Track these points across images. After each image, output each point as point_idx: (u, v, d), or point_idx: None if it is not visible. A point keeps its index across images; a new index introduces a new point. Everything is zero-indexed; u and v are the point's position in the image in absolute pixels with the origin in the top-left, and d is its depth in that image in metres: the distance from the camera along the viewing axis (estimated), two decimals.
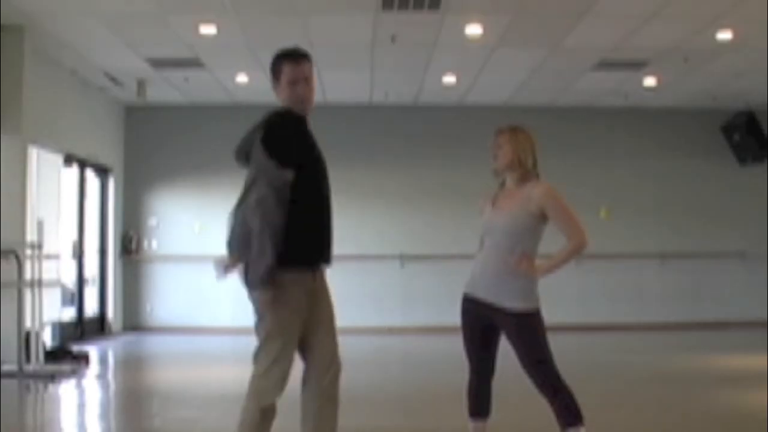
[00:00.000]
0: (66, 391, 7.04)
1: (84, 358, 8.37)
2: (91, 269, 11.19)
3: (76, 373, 7.74)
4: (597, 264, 11.53)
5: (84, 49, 9.04)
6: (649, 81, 10.59)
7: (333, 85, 10.86)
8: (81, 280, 10.62)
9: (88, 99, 10.62)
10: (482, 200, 3.93)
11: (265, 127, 3.28)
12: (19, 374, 7.26)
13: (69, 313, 10.32)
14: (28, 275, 7.69)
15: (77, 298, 10.54)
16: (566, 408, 3.60)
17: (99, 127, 11.14)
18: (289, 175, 3.20)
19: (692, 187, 12.38)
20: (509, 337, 3.71)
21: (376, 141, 12.16)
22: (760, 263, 12.10)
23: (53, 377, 7.32)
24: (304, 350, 3.38)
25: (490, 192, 3.90)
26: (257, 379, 3.29)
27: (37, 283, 7.72)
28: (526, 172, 3.76)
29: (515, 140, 3.75)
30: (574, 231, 3.68)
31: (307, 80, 3.41)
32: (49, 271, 8.36)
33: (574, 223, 3.68)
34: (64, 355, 8.33)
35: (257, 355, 3.31)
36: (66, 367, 7.84)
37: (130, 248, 11.82)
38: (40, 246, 7.90)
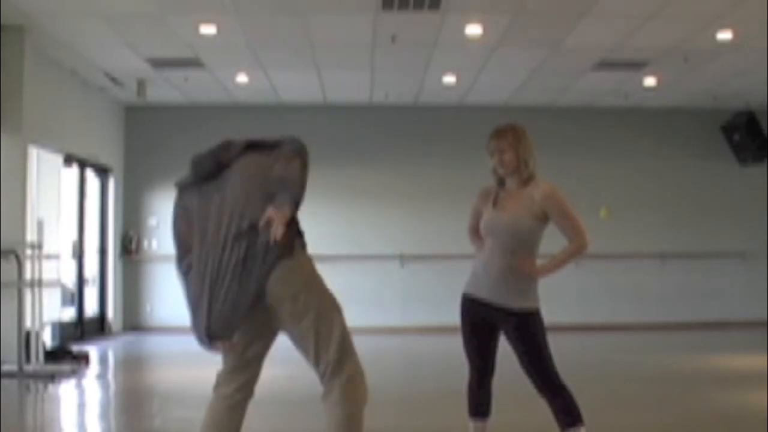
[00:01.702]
0: (66, 391, 7.04)
1: (84, 358, 8.36)
2: (91, 269, 11.19)
3: (76, 373, 7.74)
4: (597, 264, 11.53)
5: (84, 49, 9.04)
6: (649, 81, 10.59)
7: (333, 85, 10.87)
8: (81, 280, 10.62)
9: (88, 99, 10.62)
10: (479, 198, 3.92)
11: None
12: (19, 374, 7.26)
13: (69, 313, 10.32)
14: (28, 275, 7.69)
15: (77, 298, 10.53)
16: (566, 408, 3.61)
17: (99, 127, 11.14)
18: None
19: (692, 187, 12.38)
20: (509, 337, 3.71)
21: (376, 141, 12.16)
22: (760, 263, 12.11)
23: (53, 377, 7.32)
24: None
25: (489, 190, 3.89)
26: (354, 372, 3.01)
27: (37, 283, 7.72)
28: (529, 174, 3.76)
29: (518, 144, 3.73)
30: (576, 233, 3.68)
31: None
32: (49, 271, 8.36)
33: (576, 225, 3.68)
34: (64, 355, 8.33)
35: (330, 346, 2.96)
36: (66, 367, 7.84)
37: (130, 248, 11.82)
38: (40, 246, 7.91)
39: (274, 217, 2.87)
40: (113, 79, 10.38)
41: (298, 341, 3.04)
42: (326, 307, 3.03)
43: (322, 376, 3.02)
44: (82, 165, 10.64)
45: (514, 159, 3.73)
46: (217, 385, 3.18)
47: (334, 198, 11.76)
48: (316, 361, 3.00)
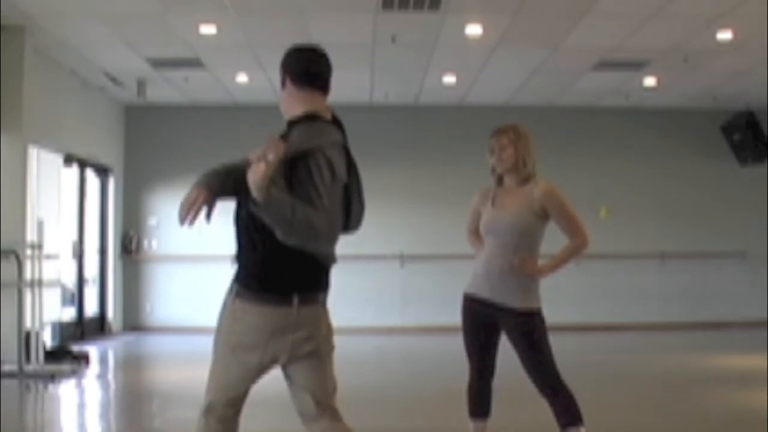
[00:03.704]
0: (66, 391, 7.04)
1: (84, 358, 8.37)
2: (91, 269, 11.19)
3: (76, 373, 7.74)
4: (597, 264, 11.53)
5: (84, 49, 9.04)
6: (649, 81, 10.59)
7: (333, 85, 10.79)
8: (81, 280, 10.62)
9: (88, 99, 10.61)
10: (477, 197, 3.93)
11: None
12: (19, 374, 7.26)
13: (69, 313, 10.32)
14: (28, 275, 7.69)
15: (77, 298, 10.53)
16: (566, 408, 3.61)
17: (99, 127, 11.14)
18: None
19: (692, 187, 12.37)
20: (510, 337, 3.71)
21: (376, 141, 12.15)
22: (760, 263, 12.10)
23: (53, 377, 7.32)
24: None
25: (488, 190, 3.89)
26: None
27: (37, 283, 7.72)
28: (528, 174, 3.77)
29: (519, 142, 3.75)
30: (576, 230, 3.69)
31: None
32: (49, 271, 8.36)
33: (576, 222, 3.69)
34: (64, 355, 8.33)
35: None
36: (66, 367, 7.84)
37: (130, 248, 11.82)
38: (40, 246, 7.91)
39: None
40: (113, 79, 10.38)
41: None
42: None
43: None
44: (82, 165, 10.64)
45: (513, 155, 3.74)
46: (215, 410, 2.94)
47: None
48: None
